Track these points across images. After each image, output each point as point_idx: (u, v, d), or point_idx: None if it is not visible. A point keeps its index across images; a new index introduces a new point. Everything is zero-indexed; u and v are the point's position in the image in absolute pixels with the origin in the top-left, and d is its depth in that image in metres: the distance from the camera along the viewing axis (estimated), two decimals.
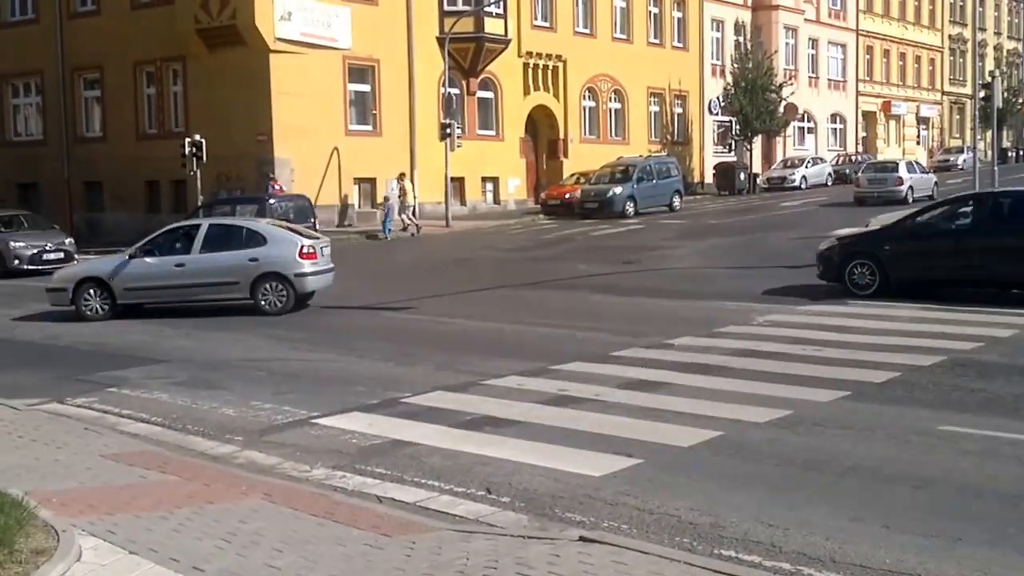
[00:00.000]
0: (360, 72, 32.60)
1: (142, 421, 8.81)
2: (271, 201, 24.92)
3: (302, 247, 15.32)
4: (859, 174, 35.73)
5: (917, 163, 39.03)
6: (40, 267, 22.59)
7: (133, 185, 32.43)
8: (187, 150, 28.12)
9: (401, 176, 30.69)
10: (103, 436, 7.72)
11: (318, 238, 16.45)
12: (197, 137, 28.33)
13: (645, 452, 7.32)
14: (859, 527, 5.75)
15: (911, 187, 32.69)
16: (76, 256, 23.61)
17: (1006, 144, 61.44)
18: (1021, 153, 62.05)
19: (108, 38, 32.75)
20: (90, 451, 7.24)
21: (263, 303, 15.03)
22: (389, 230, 29.32)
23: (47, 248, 23.47)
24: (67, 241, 24.23)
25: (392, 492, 6.71)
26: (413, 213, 30.48)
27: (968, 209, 15.30)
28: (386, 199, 30.32)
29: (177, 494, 6.32)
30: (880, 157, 57.14)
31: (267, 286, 15.08)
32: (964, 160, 53.29)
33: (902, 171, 33.46)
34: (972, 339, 11.20)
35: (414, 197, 30.65)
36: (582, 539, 5.45)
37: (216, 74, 30.14)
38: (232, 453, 7.73)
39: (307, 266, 15.28)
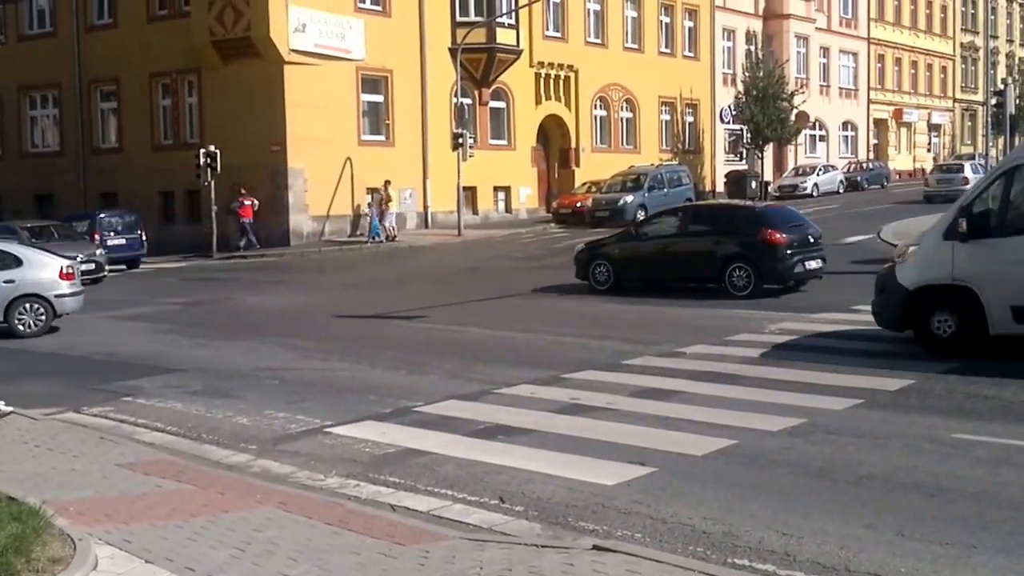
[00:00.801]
0: (373, 83, 32.75)
1: (157, 430, 8.87)
2: (101, 215, 27.06)
3: (62, 268, 15.34)
4: (928, 174, 38.65)
5: (980, 164, 40.45)
6: None
7: (148, 195, 32.65)
8: (202, 161, 28.38)
9: (387, 184, 30.70)
10: (119, 445, 7.76)
11: (74, 259, 16.88)
12: (212, 148, 28.58)
13: (658, 461, 7.32)
14: (873, 535, 5.74)
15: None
16: (107, 267, 23.81)
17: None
18: None
19: (124, 50, 33.17)
20: (106, 460, 7.28)
21: (18, 325, 14.89)
22: (377, 234, 29.50)
23: (78, 259, 23.25)
24: (98, 252, 24.18)
25: (405, 501, 6.72)
26: (391, 223, 30.56)
27: (673, 219, 18.34)
28: (369, 205, 30.38)
29: (192, 503, 6.35)
30: (892, 165, 57.17)
31: (24, 307, 14.96)
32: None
33: (967, 171, 35.85)
34: (985, 346, 11.12)
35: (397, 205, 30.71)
36: (596, 548, 5.46)
37: (231, 85, 30.37)
38: (246, 462, 7.76)
39: (66, 287, 15.28)
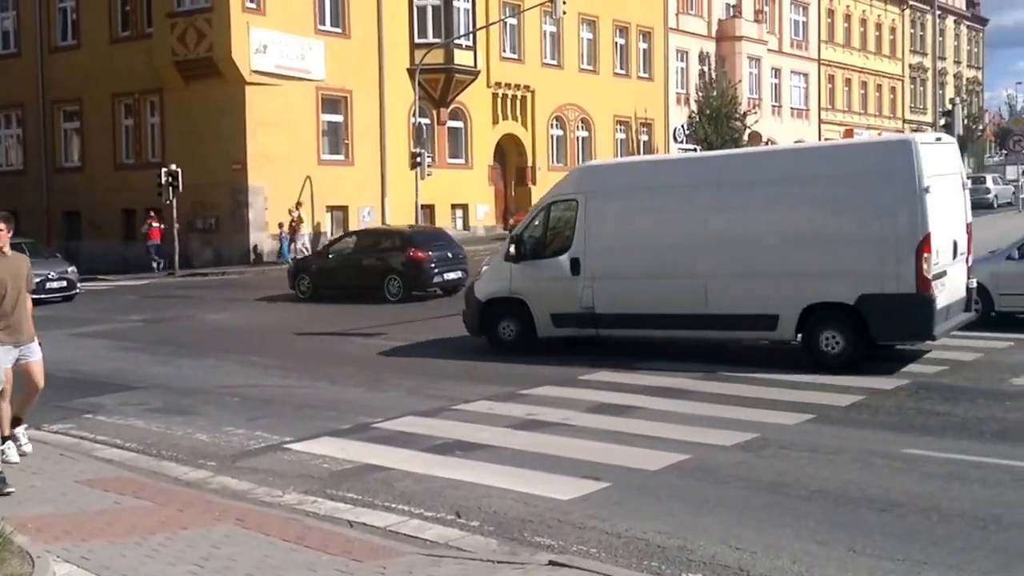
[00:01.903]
0: (333, 103, 32.85)
1: (117, 447, 8.81)
2: None
3: None
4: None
5: (1000, 177, 46.21)
6: (43, 295, 20.79)
7: (110, 214, 32.53)
8: (163, 179, 28.42)
9: (297, 205, 30.45)
10: (79, 462, 7.72)
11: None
12: (173, 167, 28.60)
13: (613, 476, 7.41)
14: (825, 550, 5.83)
15: (996, 195, 41.87)
16: (79, 285, 23.39)
17: (967, 170, 62.53)
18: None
19: (87, 71, 33.31)
20: (66, 477, 7.23)
21: None
22: (286, 256, 29.47)
23: (50, 277, 22.62)
24: (70, 270, 23.67)
25: (363, 517, 6.74)
26: (304, 244, 30.34)
27: (351, 240, 22.98)
28: (280, 225, 30.26)
29: (151, 520, 6.33)
30: None
31: None
32: None
33: (989, 183, 42.54)
34: (936, 363, 11.41)
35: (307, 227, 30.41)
36: (551, 563, 5.51)
37: (192, 105, 30.40)
38: (205, 478, 7.74)
39: None
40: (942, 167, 11.42)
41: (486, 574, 5.38)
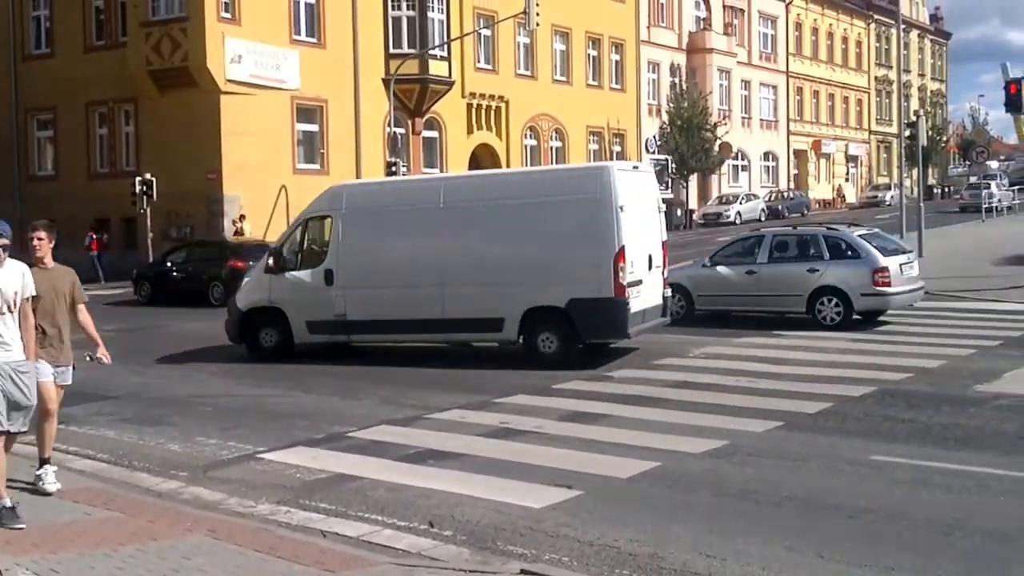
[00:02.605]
0: (308, 112, 32.83)
1: (88, 458, 8.74)
2: None
3: None
4: (963, 190, 46.58)
5: (1000, 184, 47.97)
6: None
7: (84, 223, 32.21)
8: (138, 188, 28.26)
9: (241, 218, 30.13)
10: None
11: None
12: (148, 176, 28.46)
13: (585, 484, 7.46)
14: (795, 556, 5.91)
15: (1000, 199, 43.57)
16: None
17: (931, 181, 63.42)
18: (946, 190, 64.04)
19: (61, 80, 33.08)
20: (35, 488, 7.18)
21: None
22: None
23: None
24: None
25: (336, 527, 6.73)
26: None
27: (187, 250, 25.23)
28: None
29: (122, 531, 6.30)
30: (812, 194, 58.81)
31: None
32: (891, 196, 54.96)
33: (993, 188, 44.07)
34: (902, 370, 11.57)
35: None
36: (523, 572, 5.55)
37: (167, 115, 30.28)
38: (177, 489, 7.70)
39: None
40: (638, 192, 13.24)
41: None
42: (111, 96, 32.09)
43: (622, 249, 12.39)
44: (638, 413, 9.81)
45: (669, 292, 14.29)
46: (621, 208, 12.44)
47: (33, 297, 6.74)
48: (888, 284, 15.25)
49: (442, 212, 13.49)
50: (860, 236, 16.01)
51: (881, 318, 15.88)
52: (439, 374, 12.85)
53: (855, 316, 15.46)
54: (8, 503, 6.37)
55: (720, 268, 16.64)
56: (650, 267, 13.38)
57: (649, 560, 5.92)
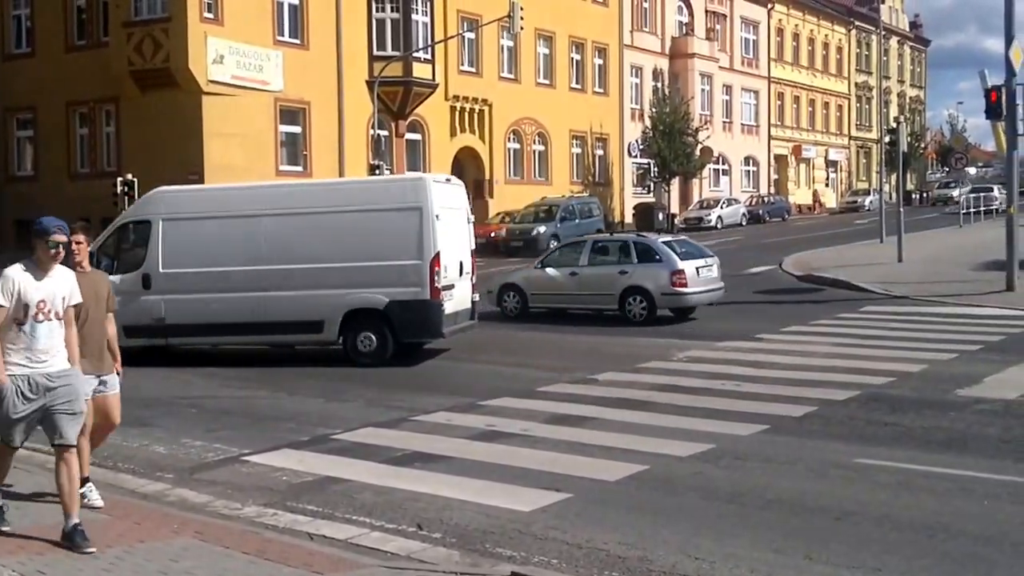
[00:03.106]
0: (291, 114, 32.76)
1: None
2: None
3: None
4: (969, 194, 47.38)
5: (1001, 187, 49.21)
6: None
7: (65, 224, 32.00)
8: (119, 189, 28.02)
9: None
10: (33, 475, 7.58)
11: None
12: (129, 176, 28.24)
13: (573, 487, 7.47)
14: (782, 559, 5.94)
15: (1001, 201, 41.71)
16: None
17: (910, 187, 63.96)
18: (925, 195, 64.55)
19: (42, 80, 32.88)
20: (19, 490, 7.11)
21: None
22: None
23: None
24: None
25: (323, 529, 6.71)
26: None
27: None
28: None
29: (108, 533, 6.25)
30: (792, 199, 59.26)
31: None
32: (870, 201, 55.41)
33: (995, 192, 46.61)
34: (884, 374, 11.64)
35: None
36: (514, 575, 5.56)
37: (148, 115, 30.11)
38: (163, 491, 7.66)
39: None
40: (450, 202, 14.10)
41: None
42: (92, 96, 31.91)
43: (437, 255, 13.26)
44: (624, 416, 9.84)
45: (477, 296, 15.32)
46: (437, 217, 13.31)
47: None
48: (685, 285, 17.06)
49: (262, 219, 13.82)
50: (663, 242, 18.00)
51: (868, 319, 15.99)
52: (423, 376, 12.85)
53: (666, 313, 17.47)
54: None
55: (549, 270, 18.52)
56: (461, 273, 14.31)
57: (638, 563, 5.94)
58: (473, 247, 15.04)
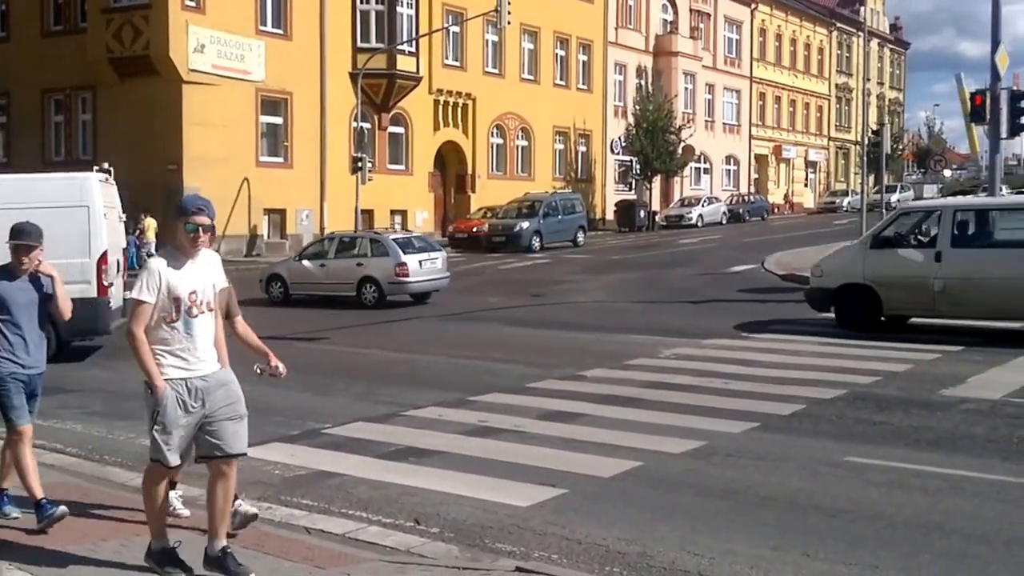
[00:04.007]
0: (273, 104, 32.54)
1: (57, 452, 8.59)
2: None
3: None
4: (979, 192, 50.24)
5: (1009, 189, 51.16)
6: None
7: None
8: None
9: (143, 214, 29.44)
10: None
11: None
12: (106, 165, 27.86)
13: (568, 482, 7.47)
14: (780, 556, 5.97)
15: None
16: None
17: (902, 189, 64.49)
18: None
19: (17, 65, 32.51)
20: (7, 482, 7.03)
21: None
22: (132, 264, 28.86)
23: None
24: None
25: (320, 523, 6.68)
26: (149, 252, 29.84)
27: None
28: (129, 233, 29.76)
29: (102, 526, 6.21)
30: (771, 198, 59.65)
31: None
32: (848, 202, 55.83)
33: (1004, 191, 48.85)
34: (870, 373, 11.72)
35: (155, 234, 29.35)
36: (519, 570, 5.55)
37: (127, 103, 29.84)
38: None
39: None
40: (109, 201, 14.31)
41: None
42: (68, 83, 31.59)
43: (104, 253, 13.53)
44: (615, 413, 9.85)
45: (129, 294, 15.67)
46: (104, 215, 13.65)
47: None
48: (407, 275, 19.97)
49: None
50: (395, 239, 21.03)
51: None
52: (409, 371, 12.81)
53: (405, 298, 20.38)
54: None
55: (304, 262, 21.36)
56: (119, 271, 14.71)
57: (638, 558, 5.95)
58: (124, 245, 15.66)
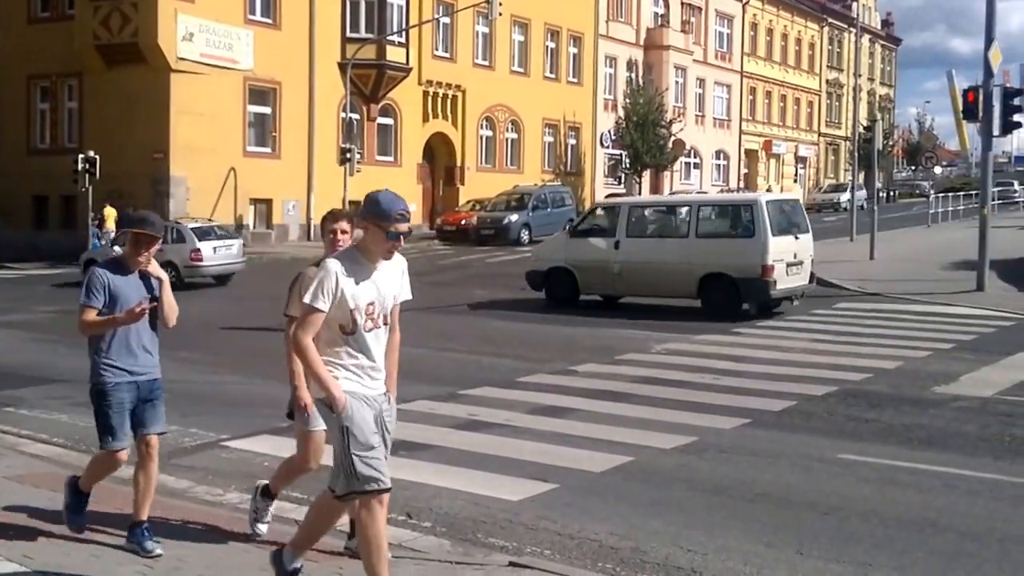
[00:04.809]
0: (261, 94, 32.36)
1: (43, 442, 8.51)
2: None
3: None
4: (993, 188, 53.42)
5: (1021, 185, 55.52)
6: None
7: (21, 200, 31.41)
8: (80, 166, 27.48)
9: (104, 202, 29.03)
10: (5, 457, 7.43)
11: None
12: (91, 153, 27.70)
13: (559, 477, 7.43)
14: (774, 552, 5.95)
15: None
16: None
17: (877, 185, 64.63)
18: (891, 194, 65.26)
19: (2, 51, 32.41)
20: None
21: None
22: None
23: None
24: None
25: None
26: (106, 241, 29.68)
27: None
28: (92, 222, 29.62)
29: (91, 518, 6.11)
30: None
31: None
32: (839, 199, 55.85)
33: (1016, 186, 54.60)
34: (861, 370, 11.72)
35: (115, 223, 28.94)
36: (512, 564, 5.51)
37: (113, 91, 29.63)
38: None
39: None
40: None
41: (446, 575, 5.35)
42: (55, 70, 31.33)
43: None
44: (606, 408, 9.82)
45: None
46: None
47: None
48: (201, 260, 22.74)
49: None
50: (192, 228, 23.22)
51: (843, 315, 16.16)
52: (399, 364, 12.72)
53: (209, 281, 23.07)
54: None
55: (116, 247, 21.55)
56: None
57: (631, 554, 5.92)
58: None
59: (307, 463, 5.81)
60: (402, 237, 4.51)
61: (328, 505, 4.74)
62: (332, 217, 5.56)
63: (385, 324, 4.67)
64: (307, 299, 4.46)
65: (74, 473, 6.02)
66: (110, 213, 28.44)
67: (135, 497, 5.59)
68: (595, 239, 17.75)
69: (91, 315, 5.40)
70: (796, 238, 16.75)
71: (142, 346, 5.54)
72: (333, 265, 4.48)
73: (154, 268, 5.64)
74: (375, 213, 4.45)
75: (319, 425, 5.31)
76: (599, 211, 19.35)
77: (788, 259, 16.40)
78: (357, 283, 4.50)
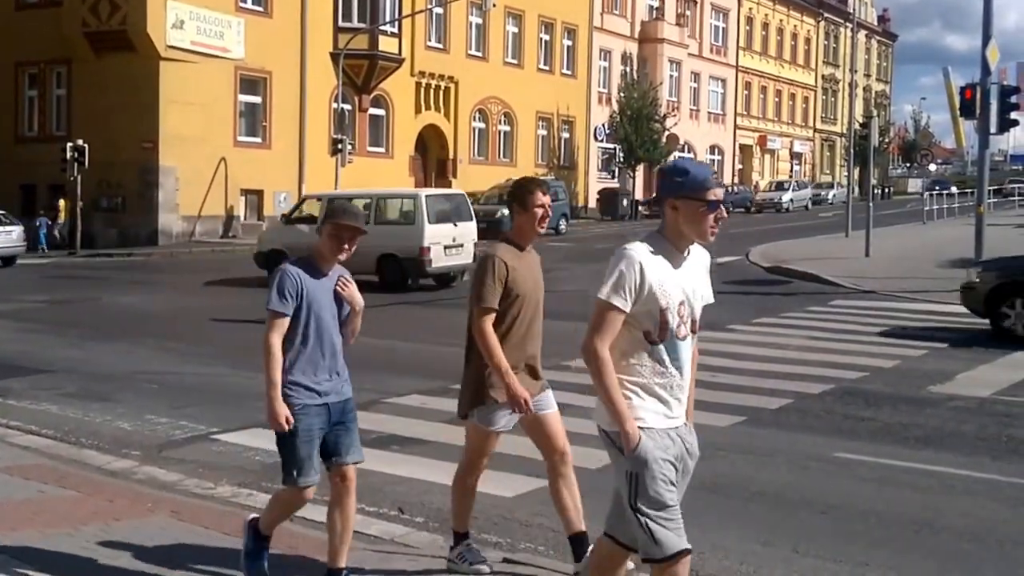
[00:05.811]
0: (251, 83, 32.17)
1: (32, 433, 8.39)
2: None
3: None
4: (1011, 184, 54.09)
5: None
6: None
7: (7, 188, 31.19)
8: (68, 154, 27.32)
9: (56, 192, 29.32)
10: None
11: None
12: (80, 142, 27.53)
13: None
14: (770, 551, 5.90)
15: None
16: None
17: (873, 181, 64.77)
18: (887, 190, 65.35)
19: None
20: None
21: None
22: (42, 244, 28.80)
23: None
24: None
25: (303, 511, 6.51)
26: (63, 232, 29.55)
27: None
28: (40, 214, 29.61)
29: (81, 510, 6.04)
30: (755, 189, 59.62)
31: None
32: (833, 195, 55.98)
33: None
34: (857, 369, 11.67)
35: (67, 215, 29.30)
36: (506, 561, 5.46)
37: (103, 79, 29.40)
38: (131, 468, 7.42)
39: None
40: None
41: (440, 571, 5.27)
42: (43, 57, 31.10)
43: None
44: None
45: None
46: None
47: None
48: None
49: None
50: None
51: (838, 313, 16.14)
52: (389, 358, 12.61)
53: None
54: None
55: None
56: None
57: None
58: None
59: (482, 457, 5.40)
60: (723, 209, 3.66)
61: (611, 553, 4.10)
62: (538, 186, 4.80)
63: (694, 331, 3.81)
64: (602, 294, 3.63)
65: (254, 514, 5.25)
66: (64, 205, 28.52)
67: (330, 539, 4.89)
68: (303, 226, 20.50)
69: (283, 324, 4.58)
70: (455, 225, 20.24)
71: (333, 360, 4.82)
72: (636, 252, 3.62)
73: (352, 292, 4.85)
74: (688, 185, 3.59)
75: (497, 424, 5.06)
76: (309, 200, 23.02)
77: (446, 242, 19.98)
78: (666, 276, 3.66)
